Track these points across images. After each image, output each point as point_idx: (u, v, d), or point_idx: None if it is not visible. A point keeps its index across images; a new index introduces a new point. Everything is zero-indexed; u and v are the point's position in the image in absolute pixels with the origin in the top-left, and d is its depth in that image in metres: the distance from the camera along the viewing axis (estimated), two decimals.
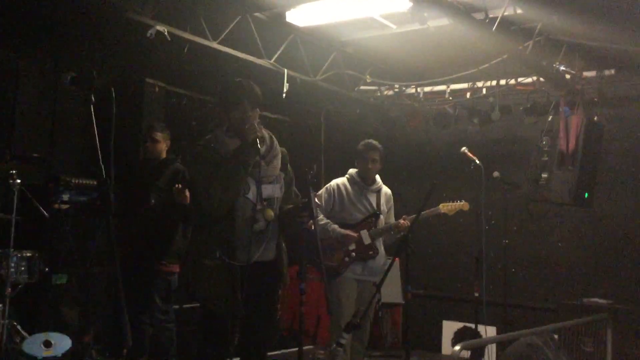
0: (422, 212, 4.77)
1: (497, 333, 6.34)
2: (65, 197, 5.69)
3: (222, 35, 5.78)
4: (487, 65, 6.06)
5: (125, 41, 5.75)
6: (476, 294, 5.52)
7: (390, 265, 4.00)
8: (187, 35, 5.50)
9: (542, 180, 6.47)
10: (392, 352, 7.15)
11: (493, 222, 7.13)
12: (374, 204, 5.11)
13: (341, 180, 5.17)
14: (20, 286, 5.05)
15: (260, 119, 7.56)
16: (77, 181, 5.80)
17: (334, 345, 3.67)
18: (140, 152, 6.00)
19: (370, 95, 7.72)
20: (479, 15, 5.28)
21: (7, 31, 5.80)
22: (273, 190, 3.56)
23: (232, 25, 5.82)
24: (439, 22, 5.81)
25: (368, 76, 7.43)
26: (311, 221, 3.39)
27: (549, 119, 6.59)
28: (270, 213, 3.51)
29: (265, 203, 3.50)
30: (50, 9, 5.43)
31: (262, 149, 3.52)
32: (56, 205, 5.63)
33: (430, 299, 7.71)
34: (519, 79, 6.83)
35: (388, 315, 7.44)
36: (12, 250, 4.70)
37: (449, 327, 7.34)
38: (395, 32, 6.39)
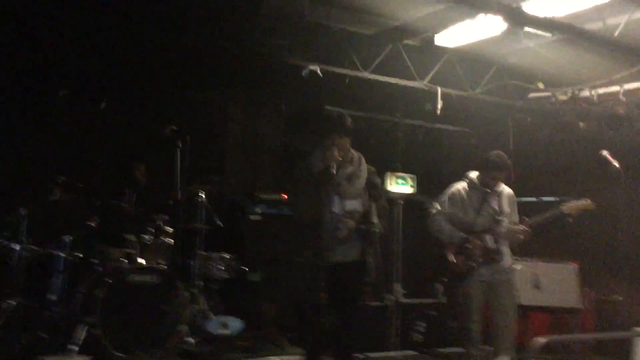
0: (546, 215, 5.06)
1: None
2: (259, 209, 7.04)
3: (373, 65, 6.58)
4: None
5: (298, 79, 6.89)
6: None
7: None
8: (338, 70, 6.44)
9: None
10: (577, 357, 7.10)
11: None
12: (497, 208, 5.15)
13: (461, 185, 5.24)
14: (218, 281, 6.43)
15: (437, 132, 8.16)
16: (267, 197, 7.12)
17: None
18: None
19: (545, 102, 7.78)
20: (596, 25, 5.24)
21: (217, 81, 7.44)
22: (355, 205, 4.27)
23: (383, 55, 6.58)
24: (594, 24, 5.86)
25: (541, 83, 7.53)
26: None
27: None
28: (352, 223, 4.22)
29: (348, 215, 4.22)
30: (246, 62, 6.89)
31: (348, 169, 4.29)
32: (251, 217, 7.01)
33: (622, 304, 7.41)
34: None
35: (572, 320, 7.38)
36: (201, 252, 6.04)
37: None
38: (555, 39, 6.48)
